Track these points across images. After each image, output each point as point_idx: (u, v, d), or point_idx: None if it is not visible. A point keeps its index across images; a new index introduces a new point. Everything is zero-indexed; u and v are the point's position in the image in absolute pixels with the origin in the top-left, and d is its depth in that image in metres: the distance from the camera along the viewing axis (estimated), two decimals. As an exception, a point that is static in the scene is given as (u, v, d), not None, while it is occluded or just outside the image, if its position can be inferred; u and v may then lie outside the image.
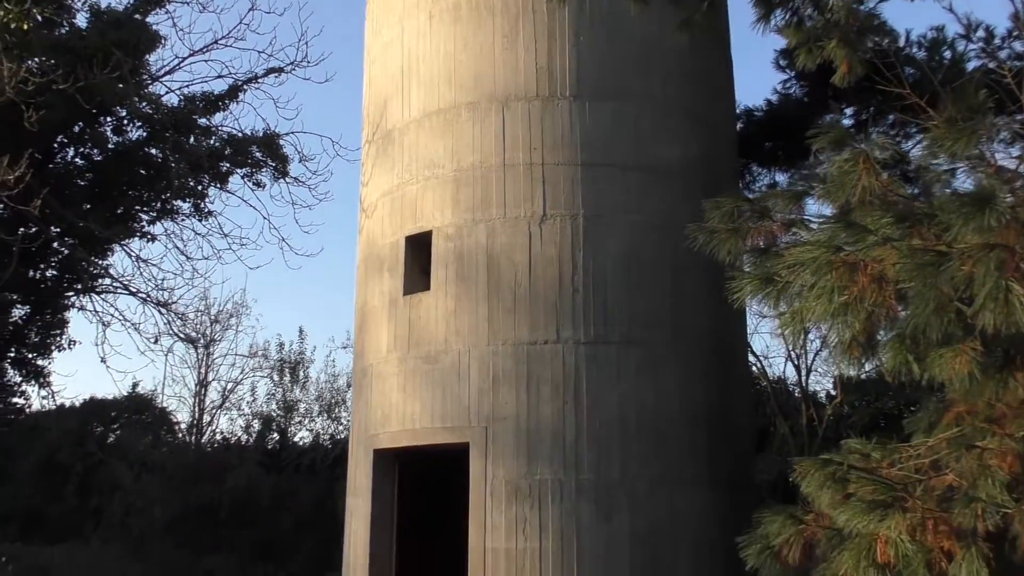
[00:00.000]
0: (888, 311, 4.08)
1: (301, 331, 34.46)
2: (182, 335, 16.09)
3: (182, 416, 30.36)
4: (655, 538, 8.71)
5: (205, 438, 26.97)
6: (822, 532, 4.41)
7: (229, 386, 27.49)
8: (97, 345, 15.13)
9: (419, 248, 9.84)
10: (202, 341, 24.19)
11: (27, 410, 19.45)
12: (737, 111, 12.28)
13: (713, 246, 5.26)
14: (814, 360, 23.62)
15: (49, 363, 15.88)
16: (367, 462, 9.75)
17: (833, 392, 23.99)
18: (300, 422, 27.96)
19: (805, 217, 4.94)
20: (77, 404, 25.15)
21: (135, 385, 26.36)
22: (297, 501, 22.77)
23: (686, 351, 9.40)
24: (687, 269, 9.56)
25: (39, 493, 22.46)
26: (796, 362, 22.81)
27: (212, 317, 26.17)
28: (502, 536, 8.66)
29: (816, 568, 4.41)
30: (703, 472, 9.14)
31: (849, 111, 11.40)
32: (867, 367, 4.99)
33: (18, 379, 16.41)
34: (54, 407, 22.22)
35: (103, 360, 14.40)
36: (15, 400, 17.58)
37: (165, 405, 27.38)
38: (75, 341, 16.02)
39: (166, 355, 26.17)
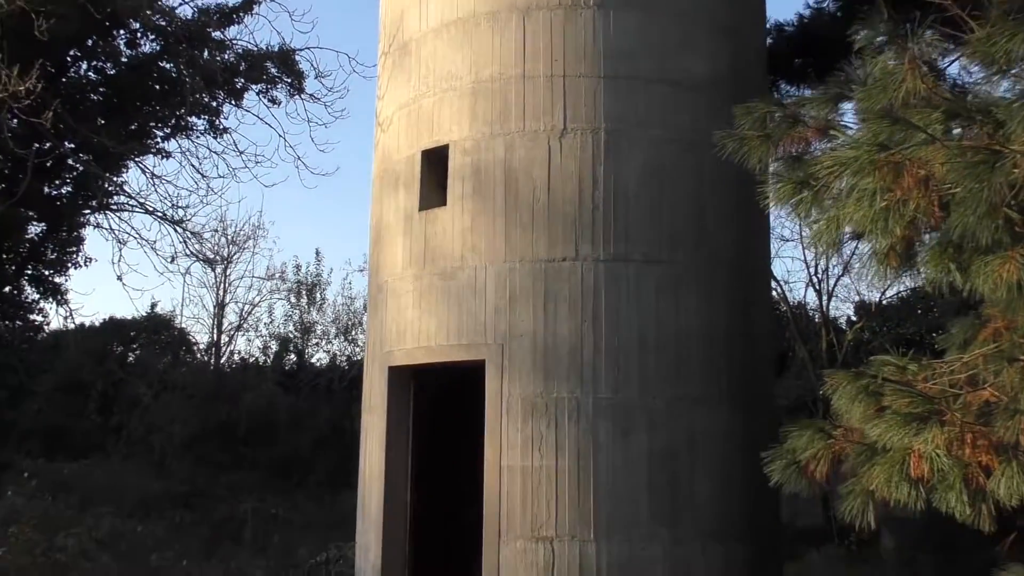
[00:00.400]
0: (930, 218, 3.86)
1: (318, 253, 34.61)
2: (199, 255, 15.97)
3: (200, 337, 30.51)
4: (673, 457, 8.61)
5: (223, 359, 27.18)
6: (851, 447, 4.25)
7: (247, 308, 27.59)
8: (113, 263, 15.02)
9: (435, 162, 9.60)
10: (219, 260, 24.15)
11: (45, 328, 19.51)
12: (767, 25, 11.84)
13: (743, 154, 5.00)
14: (835, 285, 23.42)
15: (66, 280, 15.85)
16: (382, 379, 9.66)
17: (854, 317, 23.83)
18: (317, 344, 28.18)
19: (842, 123, 4.67)
20: (97, 324, 25.36)
21: (154, 306, 26.49)
22: (314, 421, 23.02)
23: (708, 270, 9.19)
24: (711, 187, 9.31)
25: (61, 410, 22.75)
26: (817, 286, 22.61)
27: (229, 238, 26.14)
28: (518, 454, 8.58)
29: (844, 484, 4.27)
30: (723, 392, 9.00)
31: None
32: (905, 280, 4.76)
33: (36, 296, 16.41)
34: (74, 326, 22.34)
35: (119, 278, 14.33)
36: (33, 317, 17.62)
37: (184, 326, 27.55)
38: (91, 259, 15.94)
39: (184, 276, 26.18)
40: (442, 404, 10.17)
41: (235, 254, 26.81)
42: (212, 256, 23.32)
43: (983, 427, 3.78)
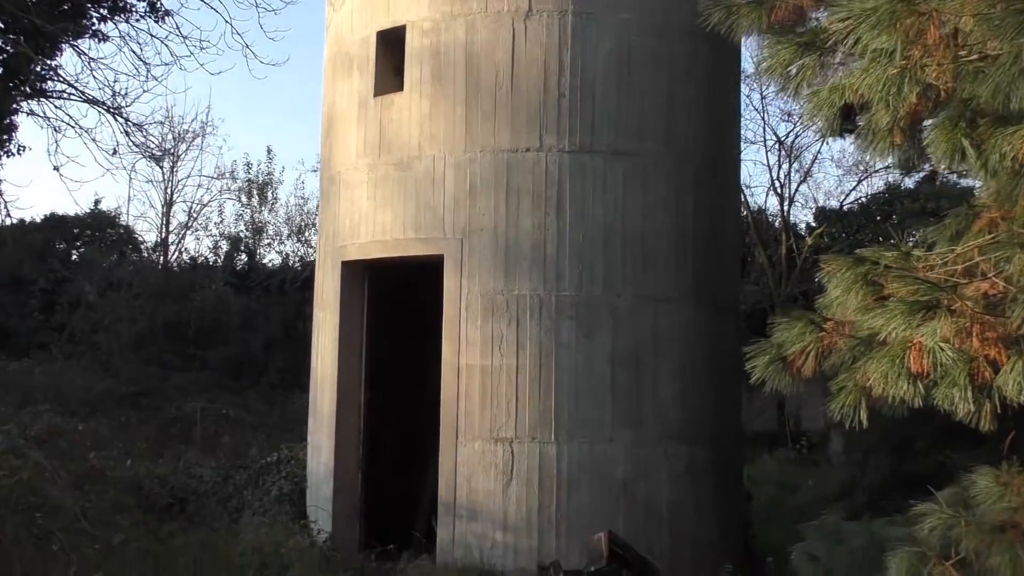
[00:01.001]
0: (945, 88, 3.47)
1: (269, 151, 33.58)
2: (144, 152, 15.17)
3: (147, 236, 29.66)
4: (637, 358, 8.34)
5: (172, 258, 26.45)
6: (843, 340, 3.94)
7: (196, 207, 26.78)
8: (49, 153, 14.22)
9: (392, 45, 8.98)
10: (165, 155, 23.21)
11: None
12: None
13: (731, 23, 4.54)
14: (796, 190, 23.23)
15: (-1, 169, 15.00)
16: (335, 275, 9.22)
17: (813, 224, 23.70)
18: (269, 244, 27.51)
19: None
20: (38, 220, 24.40)
21: (97, 202, 25.56)
22: (267, 322, 22.52)
23: (677, 163, 8.79)
24: (682, 76, 8.86)
25: (2, 309, 21.98)
26: (779, 191, 22.40)
27: (176, 133, 25.15)
28: (477, 353, 8.26)
29: (834, 380, 3.96)
30: (689, 291, 8.70)
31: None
32: (909, 161, 4.39)
33: (-34, 187, 15.53)
34: (13, 222, 21.44)
35: (56, 169, 13.59)
36: (-36, 210, 16.69)
37: (130, 224, 26.67)
38: (24, 147, 15.05)
39: (130, 173, 25.23)
40: (398, 301, 9.79)
41: (183, 151, 25.88)
42: (158, 152, 22.44)
43: (993, 318, 3.48)
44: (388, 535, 8.69)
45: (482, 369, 8.22)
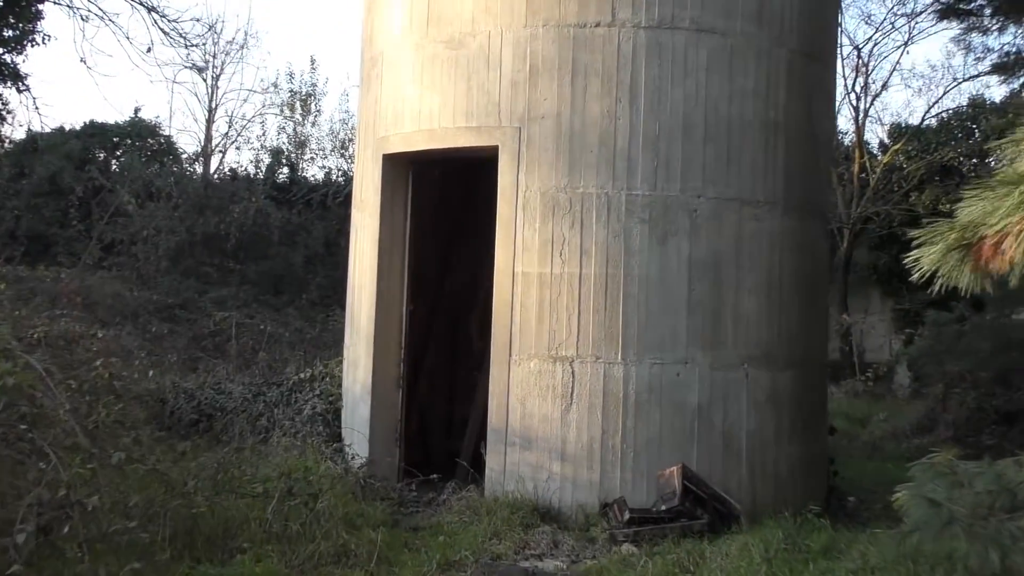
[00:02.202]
0: None
1: (312, 61, 32.55)
2: (180, 51, 14.20)
3: (188, 148, 28.96)
4: (718, 267, 7.26)
5: (213, 169, 25.74)
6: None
7: (238, 121, 25.96)
8: (75, 43, 13.27)
9: (442, -96, 7.82)
10: (207, 66, 22.25)
11: (7, 118, 17.64)
12: None
13: None
14: (871, 104, 21.70)
15: (24, 60, 14.05)
16: (375, 170, 8.19)
17: (887, 141, 22.19)
18: (312, 159, 26.75)
19: None
20: (77, 127, 23.73)
21: (137, 111, 24.79)
22: (308, 237, 21.79)
23: (769, 46, 7.59)
24: (777, -58, 7.62)
25: (42, 218, 21.41)
26: (854, 103, 20.88)
27: (219, 45, 24.14)
28: (535, 259, 7.23)
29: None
30: (778, 194, 7.57)
31: None
32: None
33: (-8, 83, 14.63)
34: (48, 129, 20.73)
35: (83, 60, 12.73)
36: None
37: (171, 134, 25.92)
38: (49, 36, 14.09)
39: (171, 86, 24.31)
40: (446, 201, 8.78)
41: (225, 62, 24.95)
42: (200, 63, 21.60)
43: None
44: (431, 463, 7.83)
45: (540, 278, 7.21)
